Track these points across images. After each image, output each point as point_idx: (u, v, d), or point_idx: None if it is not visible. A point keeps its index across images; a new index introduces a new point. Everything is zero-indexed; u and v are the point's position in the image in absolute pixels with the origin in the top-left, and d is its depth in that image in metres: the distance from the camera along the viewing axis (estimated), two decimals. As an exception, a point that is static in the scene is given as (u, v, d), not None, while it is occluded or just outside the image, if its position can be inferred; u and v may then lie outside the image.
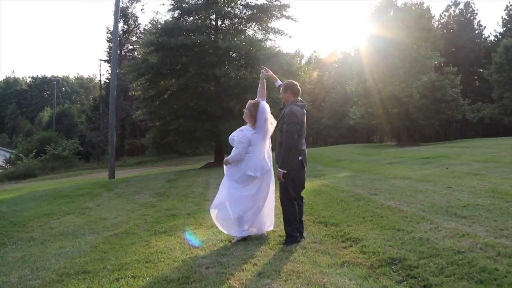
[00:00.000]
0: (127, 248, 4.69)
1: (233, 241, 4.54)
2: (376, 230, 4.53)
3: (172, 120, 17.63)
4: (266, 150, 4.64)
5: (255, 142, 4.53)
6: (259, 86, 4.94)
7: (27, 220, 7.13)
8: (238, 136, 4.53)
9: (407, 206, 5.61)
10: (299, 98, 4.53)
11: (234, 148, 4.53)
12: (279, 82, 4.87)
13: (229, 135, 4.70)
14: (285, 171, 4.27)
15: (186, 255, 4.14)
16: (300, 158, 4.37)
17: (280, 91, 4.59)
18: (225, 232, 4.65)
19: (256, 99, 4.84)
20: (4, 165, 31.12)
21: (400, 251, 3.66)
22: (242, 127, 4.66)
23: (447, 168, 9.53)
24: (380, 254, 3.65)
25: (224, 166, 4.72)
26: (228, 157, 4.58)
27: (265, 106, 4.61)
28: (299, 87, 4.56)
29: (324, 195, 7.26)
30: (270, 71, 4.97)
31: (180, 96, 18.57)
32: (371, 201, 6.22)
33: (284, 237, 4.40)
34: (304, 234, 4.56)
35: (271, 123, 4.64)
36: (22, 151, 31.31)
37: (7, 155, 36.43)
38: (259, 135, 4.55)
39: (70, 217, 7.34)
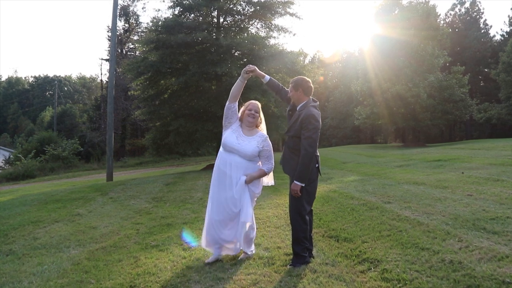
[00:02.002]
0: (112, 266, 4.13)
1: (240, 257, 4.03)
2: (396, 248, 3.94)
3: (172, 120, 17.06)
4: None
5: None
6: (235, 86, 4.04)
7: (10, 229, 6.59)
8: (269, 145, 3.98)
9: (427, 217, 5.02)
10: (311, 97, 3.88)
11: (269, 159, 3.98)
12: (268, 77, 4.13)
13: None
14: (303, 185, 3.63)
15: (178, 277, 3.58)
16: (317, 165, 3.77)
17: (289, 89, 3.92)
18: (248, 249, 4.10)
19: (227, 103, 4.05)
20: (2, 166, 30.53)
21: (431, 279, 3.07)
22: (264, 134, 4.02)
23: (462, 173, 8.94)
24: (406, 283, 3.05)
25: (246, 185, 3.89)
26: (268, 170, 3.97)
27: None
28: (311, 84, 3.85)
29: (332, 202, 6.67)
30: (257, 69, 4.05)
31: (181, 95, 17.99)
32: (385, 210, 5.63)
33: (291, 256, 3.83)
34: (314, 251, 3.99)
35: None
36: (21, 151, 30.78)
37: (8, 155, 35.88)
38: None
39: (58, 225, 6.79)
